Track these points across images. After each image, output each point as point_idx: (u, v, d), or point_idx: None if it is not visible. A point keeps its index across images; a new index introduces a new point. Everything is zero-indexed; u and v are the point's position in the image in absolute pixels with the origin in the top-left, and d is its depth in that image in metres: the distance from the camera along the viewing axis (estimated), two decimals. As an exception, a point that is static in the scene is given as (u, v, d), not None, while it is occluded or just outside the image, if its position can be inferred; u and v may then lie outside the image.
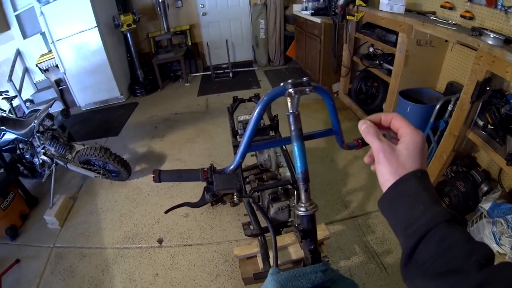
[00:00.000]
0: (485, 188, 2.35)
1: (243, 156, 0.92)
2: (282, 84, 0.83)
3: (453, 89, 2.76)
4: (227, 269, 2.32)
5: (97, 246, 2.67)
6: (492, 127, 2.14)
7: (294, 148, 0.90)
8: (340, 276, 0.99)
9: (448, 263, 0.45)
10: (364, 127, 0.60)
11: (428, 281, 0.47)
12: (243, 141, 0.90)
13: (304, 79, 0.83)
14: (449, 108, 2.56)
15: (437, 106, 2.60)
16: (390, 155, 0.55)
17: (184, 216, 2.81)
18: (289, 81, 0.81)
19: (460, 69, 2.78)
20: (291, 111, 0.87)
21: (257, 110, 0.85)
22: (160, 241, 2.62)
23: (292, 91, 0.81)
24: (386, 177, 0.55)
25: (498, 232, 1.95)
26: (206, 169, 0.98)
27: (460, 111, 2.25)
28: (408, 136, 0.56)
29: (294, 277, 0.92)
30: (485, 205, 2.14)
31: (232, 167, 0.94)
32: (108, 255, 2.56)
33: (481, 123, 2.21)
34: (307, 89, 0.82)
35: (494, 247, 1.95)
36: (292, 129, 0.89)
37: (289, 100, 0.86)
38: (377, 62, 3.56)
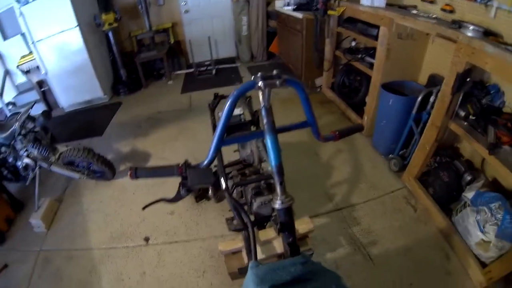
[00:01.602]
0: (468, 178, 2.39)
1: (216, 151, 0.92)
2: (252, 77, 0.83)
3: (435, 81, 2.79)
4: (214, 264, 2.33)
5: (83, 247, 2.64)
6: (474, 118, 2.18)
7: (267, 142, 0.89)
8: (322, 268, 1.00)
9: None
10: None
11: None
12: (215, 136, 0.90)
13: (274, 72, 0.82)
14: (431, 99, 2.59)
15: (419, 98, 2.64)
16: None
17: (169, 213, 2.81)
18: (259, 74, 0.81)
19: (441, 61, 2.81)
20: (262, 105, 0.87)
21: (227, 105, 0.85)
22: (146, 239, 2.61)
23: (262, 85, 0.81)
24: None
25: (482, 220, 1.99)
26: (181, 165, 0.98)
27: (441, 102, 2.29)
28: None
29: (272, 270, 0.92)
30: (469, 194, 2.18)
31: (206, 162, 0.95)
32: (95, 256, 2.54)
33: (462, 114, 2.24)
34: (277, 82, 0.81)
35: (479, 235, 1.99)
36: (265, 122, 0.88)
37: (260, 93, 0.85)
38: (359, 56, 3.59)
